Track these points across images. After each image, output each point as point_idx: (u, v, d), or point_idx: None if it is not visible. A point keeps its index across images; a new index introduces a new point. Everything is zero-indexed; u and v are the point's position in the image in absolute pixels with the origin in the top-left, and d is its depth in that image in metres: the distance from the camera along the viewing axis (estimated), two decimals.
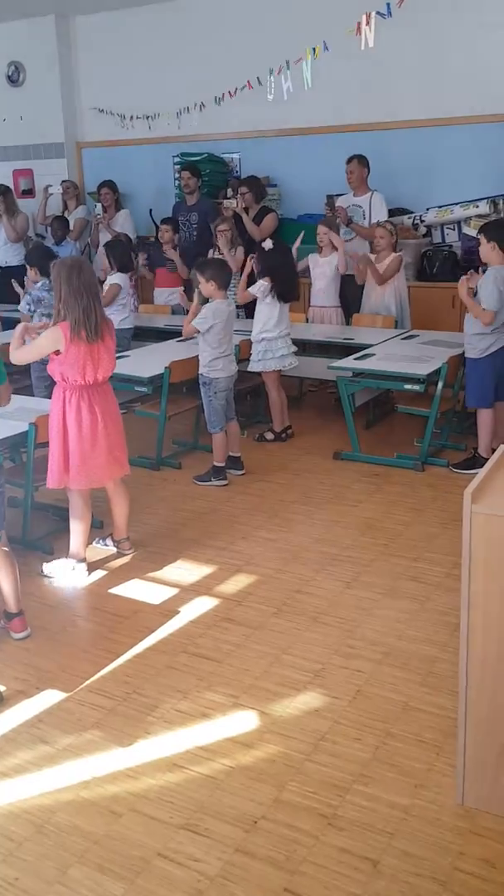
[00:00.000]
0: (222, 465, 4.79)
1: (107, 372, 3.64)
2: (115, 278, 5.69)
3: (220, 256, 6.05)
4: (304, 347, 5.63)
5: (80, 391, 3.56)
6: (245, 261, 5.52)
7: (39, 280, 5.19)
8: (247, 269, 5.25)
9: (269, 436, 5.49)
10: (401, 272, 5.94)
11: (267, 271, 5.19)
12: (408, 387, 4.87)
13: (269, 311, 5.23)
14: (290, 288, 5.34)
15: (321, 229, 6.01)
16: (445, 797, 2.33)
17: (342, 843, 2.20)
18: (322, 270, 6.06)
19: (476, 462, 4.69)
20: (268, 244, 5.24)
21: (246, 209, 6.82)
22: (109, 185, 7.63)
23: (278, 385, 5.39)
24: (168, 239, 6.69)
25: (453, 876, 2.08)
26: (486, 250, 4.54)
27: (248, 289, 5.24)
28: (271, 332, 5.24)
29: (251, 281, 5.25)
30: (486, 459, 4.65)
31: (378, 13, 4.40)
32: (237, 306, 5.71)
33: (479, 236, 4.68)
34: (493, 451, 4.76)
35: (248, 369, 5.34)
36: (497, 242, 4.49)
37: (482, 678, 2.20)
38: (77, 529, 3.71)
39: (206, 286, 4.66)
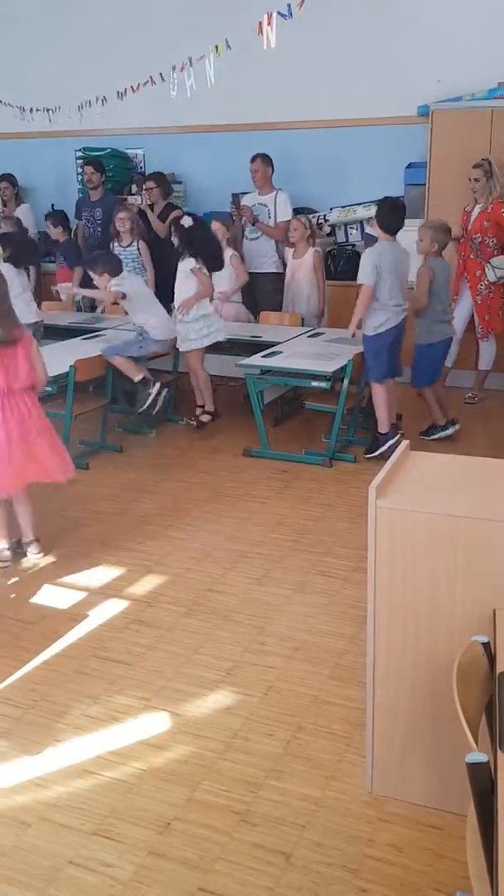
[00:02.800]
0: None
1: (19, 380, 3.55)
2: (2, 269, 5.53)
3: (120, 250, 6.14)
4: (212, 345, 5.63)
5: None
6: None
7: None
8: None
9: (206, 418, 5.52)
10: (320, 267, 6.00)
11: (193, 246, 5.26)
12: (314, 384, 4.94)
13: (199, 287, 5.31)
14: (217, 255, 5.52)
15: (215, 225, 6.03)
16: (355, 787, 2.38)
17: (255, 838, 2.22)
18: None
19: (378, 441, 4.85)
20: (187, 221, 5.30)
21: (151, 205, 6.77)
22: (8, 178, 7.44)
23: (202, 361, 5.49)
24: (57, 235, 6.62)
25: (364, 863, 2.13)
26: (373, 226, 4.90)
27: (179, 276, 5.32)
28: (207, 308, 5.35)
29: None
30: (386, 434, 4.85)
31: (279, 13, 4.43)
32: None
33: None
34: (394, 425, 4.99)
35: (184, 349, 5.43)
36: (377, 220, 4.78)
37: (387, 669, 2.26)
38: None
39: (100, 280, 4.79)
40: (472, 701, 1.69)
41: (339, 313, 6.26)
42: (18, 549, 3.85)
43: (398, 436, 4.82)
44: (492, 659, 1.79)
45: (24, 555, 3.85)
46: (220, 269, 5.65)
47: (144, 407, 5.15)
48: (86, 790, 2.40)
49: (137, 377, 5.14)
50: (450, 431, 5.22)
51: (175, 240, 5.37)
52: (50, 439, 3.70)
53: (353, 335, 4.99)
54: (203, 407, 5.61)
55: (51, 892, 2.06)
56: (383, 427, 4.90)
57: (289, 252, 6.12)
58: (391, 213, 4.75)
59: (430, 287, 4.97)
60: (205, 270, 5.30)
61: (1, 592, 3.55)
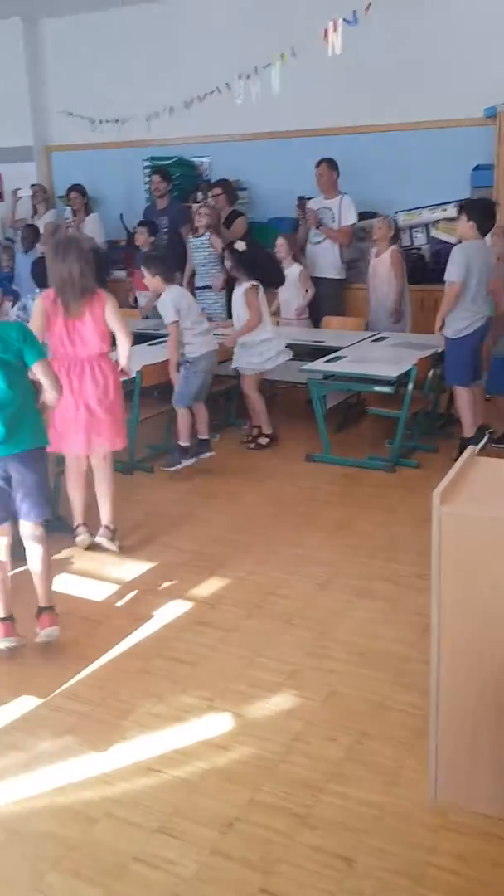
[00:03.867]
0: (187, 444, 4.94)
1: (87, 348, 3.74)
2: None
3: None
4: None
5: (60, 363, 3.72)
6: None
7: None
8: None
9: (264, 440, 5.40)
10: (398, 264, 5.92)
11: (251, 269, 5.18)
12: (378, 388, 4.92)
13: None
14: (276, 271, 5.47)
15: (279, 241, 6.04)
16: (418, 794, 2.37)
17: (316, 841, 2.22)
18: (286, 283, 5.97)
19: (463, 444, 4.75)
20: (240, 245, 5.23)
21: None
22: (78, 188, 7.61)
23: (258, 387, 5.43)
24: (143, 242, 6.66)
25: (426, 871, 2.12)
26: (465, 227, 4.73)
27: (235, 301, 5.28)
28: (266, 333, 5.27)
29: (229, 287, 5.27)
30: (471, 439, 4.75)
31: (345, 20, 4.44)
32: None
33: (459, 215, 4.87)
34: (481, 427, 4.90)
35: (244, 373, 5.35)
36: (476, 224, 4.67)
37: (452, 676, 2.24)
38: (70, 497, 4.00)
39: (152, 281, 4.80)
40: None
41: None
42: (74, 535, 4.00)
43: (486, 436, 4.73)
44: None
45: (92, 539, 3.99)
46: (282, 283, 5.61)
47: (168, 469, 4.93)
48: (150, 787, 2.45)
49: (182, 441, 4.95)
50: None
51: (228, 264, 5.30)
52: (110, 410, 3.85)
53: (438, 332, 4.92)
54: (259, 428, 5.47)
55: (116, 888, 2.11)
56: (468, 431, 4.82)
57: (372, 252, 6.09)
58: (484, 212, 4.71)
59: None
60: (261, 293, 5.21)
61: (67, 591, 3.64)
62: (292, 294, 6.08)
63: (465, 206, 4.81)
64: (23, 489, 3.04)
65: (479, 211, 4.70)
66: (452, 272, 4.67)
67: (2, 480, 3.03)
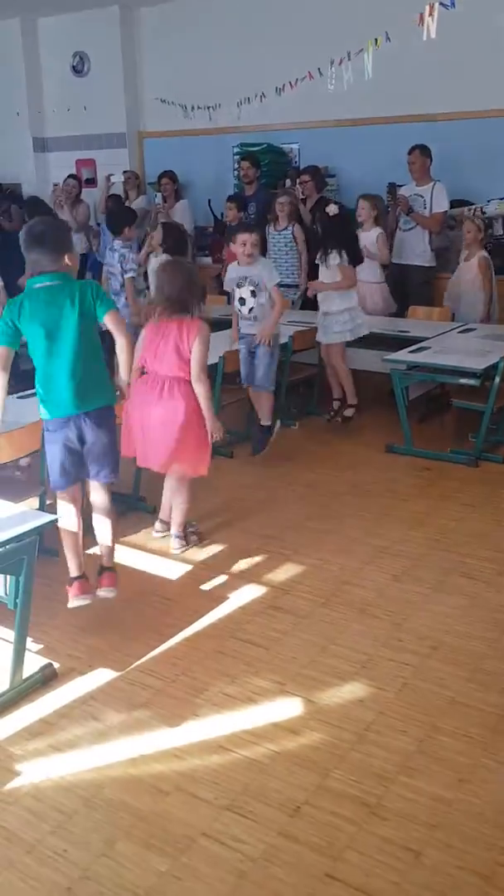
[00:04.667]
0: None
1: (164, 366, 3.58)
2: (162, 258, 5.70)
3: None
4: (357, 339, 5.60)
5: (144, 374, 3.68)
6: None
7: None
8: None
9: (349, 412, 5.43)
10: (488, 273, 5.79)
11: (338, 239, 5.16)
12: (463, 381, 4.81)
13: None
14: (358, 248, 5.40)
15: (361, 204, 5.95)
16: (490, 793, 2.32)
17: (384, 832, 2.21)
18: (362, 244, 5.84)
19: None
20: (332, 209, 5.19)
21: (304, 199, 6.81)
22: (170, 175, 7.70)
23: (345, 356, 5.41)
24: (233, 217, 6.68)
25: (497, 871, 2.08)
26: None
27: (322, 273, 5.23)
28: (353, 301, 5.26)
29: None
30: None
31: (441, 3, 4.33)
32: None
33: None
34: None
35: (327, 341, 5.34)
36: None
37: None
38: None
39: (250, 237, 4.62)
40: None
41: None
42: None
43: None
44: None
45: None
46: (360, 262, 5.51)
47: (261, 451, 4.91)
48: (221, 765, 2.48)
49: (267, 422, 4.92)
50: None
51: (319, 227, 5.29)
52: (191, 432, 3.62)
53: None
54: (341, 400, 5.52)
55: (183, 861, 2.15)
56: None
57: (462, 254, 5.96)
58: None
59: None
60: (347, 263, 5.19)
61: (144, 569, 3.71)
62: (367, 261, 5.89)
63: None
64: (95, 449, 3.12)
65: None
66: None
67: (77, 441, 3.11)
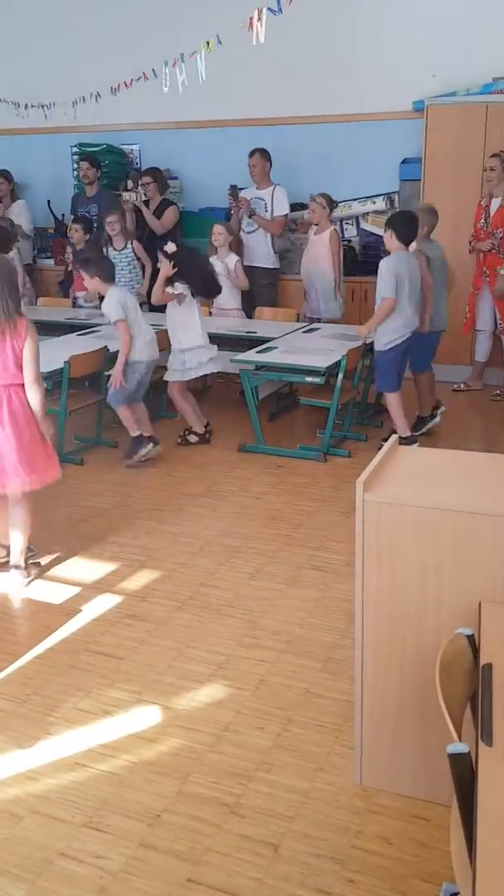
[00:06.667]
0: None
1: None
2: None
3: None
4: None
5: None
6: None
7: None
8: (164, 272, 4.93)
9: (193, 439, 5.27)
10: (338, 241, 5.95)
11: (179, 273, 4.92)
12: (309, 379, 4.95)
13: (187, 317, 5.04)
14: (211, 280, 5.19)
15: (217, 229, 5.95)
16: (344, 779, 2.40)
17: (244, 830, 2.23)
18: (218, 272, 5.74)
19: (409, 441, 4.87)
20: (170, 247, 4.97)
21: (146, 201, 6.77)
22: (3, 174, 7.43)
23: (184, 392, 5.23)
24: (79, 239, 6.48)
25: (351, 854, 2.15)
26: (387, 238, 4.79)
27: (167, 288, 4.97)
28: (198, 340, 5.07)
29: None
30: (408, 438, 4.86)
31: (269, 9, 4.41)
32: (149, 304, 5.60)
33: (385, 230, 4.87)
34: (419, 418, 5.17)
35: (166, 378, 5.18)
36: (394, 230, 4.72)
37: (375, 661, 2.27)
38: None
39: (91, 282, 4.67)
40: (456, 693, 1.70)
41: None
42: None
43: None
44: (475, 651, 1.81)
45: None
46: (215, 295, 5.40)
47: (132, 462, 4.85)
48: (77, 783, 2.42)
49: (133, 433, 4.87)
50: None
51: (163, 266, 4.97)
52: (16, 442, 3.39)
53: (364, 338, 5.01)
54: (189, 428, 5.31)
55: (41, 884, 2.08)
56: (404, 431, 4.89)
57: (312, 229, 6.06)
58: (407, 225, 4.74)
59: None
60: (194, 301, 5.02)
61: None
62: (227, 286, 5.99)
63: (388, 221, 4.85)
64: None
65: (400, 223, 4.75)
66: (384, 288, 4.69)
67: None
